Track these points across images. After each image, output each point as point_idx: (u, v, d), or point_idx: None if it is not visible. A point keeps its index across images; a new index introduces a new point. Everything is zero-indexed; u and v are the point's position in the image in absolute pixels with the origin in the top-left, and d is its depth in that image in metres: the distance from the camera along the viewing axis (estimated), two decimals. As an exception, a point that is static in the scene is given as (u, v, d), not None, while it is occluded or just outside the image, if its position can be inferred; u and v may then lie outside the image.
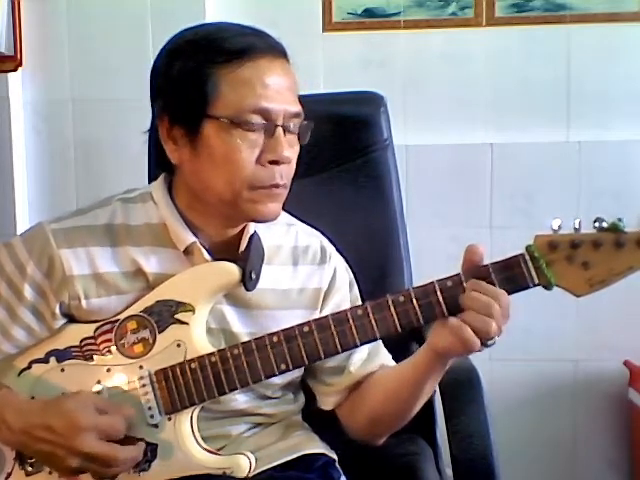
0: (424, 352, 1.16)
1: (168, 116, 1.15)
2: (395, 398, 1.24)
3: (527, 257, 1.05)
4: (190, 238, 1.18)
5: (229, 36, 1.13)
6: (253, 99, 1.11)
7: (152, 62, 1.19)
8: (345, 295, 1.32)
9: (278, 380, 1.24)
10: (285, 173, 1.15)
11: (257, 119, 1.11)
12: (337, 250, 1.35)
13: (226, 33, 1.14)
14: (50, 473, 1.16)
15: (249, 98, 1.11)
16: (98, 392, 1.16)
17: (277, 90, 1.12)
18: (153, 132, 1.21)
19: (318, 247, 1.31)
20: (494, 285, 1.06)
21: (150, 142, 1.34)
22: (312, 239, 1.32)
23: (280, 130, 1.13)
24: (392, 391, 1.24)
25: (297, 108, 1.15)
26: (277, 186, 1.15)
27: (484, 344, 1.06)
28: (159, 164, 1.24)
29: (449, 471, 1.32)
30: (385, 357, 1.32)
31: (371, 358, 1.29)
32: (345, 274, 1.34)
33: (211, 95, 1.11)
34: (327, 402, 1.31)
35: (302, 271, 1.28)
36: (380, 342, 1.30)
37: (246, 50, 1.11)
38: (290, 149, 1.15)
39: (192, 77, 1.11)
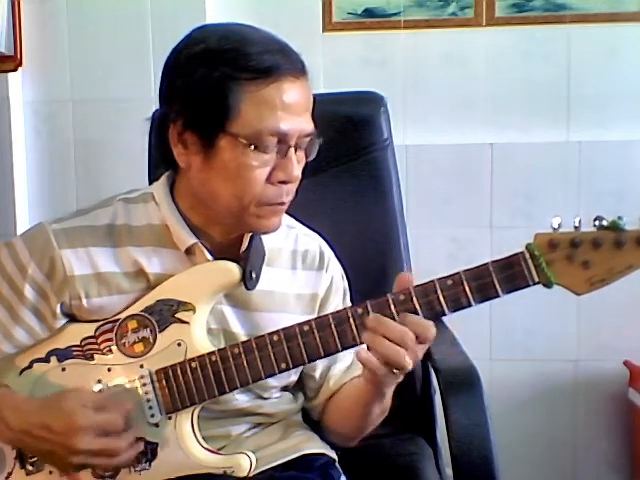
0: (362, 379, 1.17)
1: (182, 120, 1.13)
2: (350, 416, 1.27)
3: (527, 255, 1.05)
4: (191, 239, 1.18)
5: (256, 52, 1.09)
6: (272, 122, 1.09)
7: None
8: (339, 305, 1.31)
9: (275, 382, 1.24)
10: (291, 190, 1.16)
11: (273, 141, 1.10)
12: (335, 253, 1.35)
13: (253, 47, 1.10)
14: (50, 473, 1.16)
15: (268, 120, 1.09)
16: (99, 392, 1.16)
17: (295, 112, 1.11)
18: (156, 130, 1.20)
19: (317, 252, 1.31)
20: (494, 286, 1.06)
21: (150, 142, 1.34)
22: (311, 243, 1.32)
23: (292, 150, 1.12)
24: (347, 410, 1.28)
25: (311, 128, 1.14)
26: (283, 204, 1.16)
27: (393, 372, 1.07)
28: (163, 162, 1.22)
29: (449, 471, 1.32)
30: None
31: (351, 369, 1.30)
32: (341, 282, 1.34)
33: (232, 111, 1.09)
34: (312, 415, 1.35)
35: (300, 276, 1.29)
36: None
37: (271, 69, 1.09)
38: (299, 166, 1.15)
39: (215, 89, 1.09)
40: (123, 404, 1.13)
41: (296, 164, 1.13)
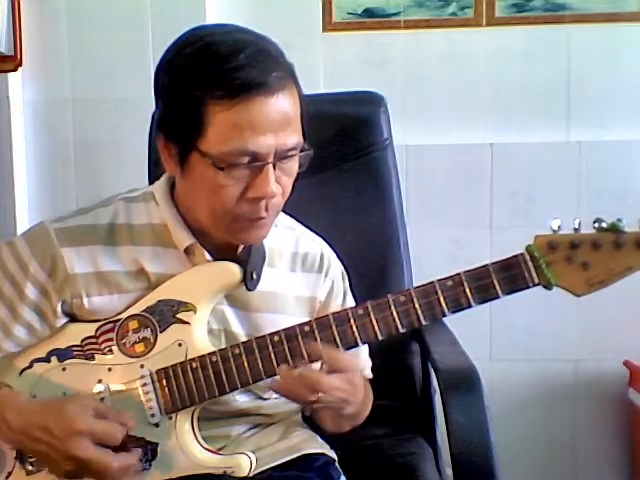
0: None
1: (164, 130, 1.13)
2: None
3: (527, 257, 1.06)
4: (190, 240, 1.18)
5: (229, 68, 1.05)
6: (239, 143, 1.06)
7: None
8: (338, 308, 1.30)
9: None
10: (273, 204, 1.12)
11: (244, 159, 1.07)
12: (335, 253, 1.35)
13: (234, 61, 1.05)
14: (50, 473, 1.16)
15: (235, 141, 1.06)
16: (99, 392, 1.16)
17: (267, 130, 1.06)
18: (151, 131, 1.20)
19: (318, 255, 1.31)
20: (494, 287, 1.07)
21: (150, 142, 1.34)
22: (312, 246, 1.31)
23: (269, 167, 1.08)
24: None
25: (293, 142, 1.09)
26: (262, 218, 1.13)
27: None
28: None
29: (449, 471, 1.32)
30: (360, 365, 1.31)
31: None
32: (341, 285, 1.34)
33: (201, 130, 1.07)
34: (305, 411, 1.32)
35: (299, 278, 1.28)
36: (361, 350, 1.30)
37: (240, 89, 1.04)
38: (285, 177, 1.12)
39: (189, 105, 1.07)
40: (125, 416, 1.12)
41: (272, 180, 1.08)
